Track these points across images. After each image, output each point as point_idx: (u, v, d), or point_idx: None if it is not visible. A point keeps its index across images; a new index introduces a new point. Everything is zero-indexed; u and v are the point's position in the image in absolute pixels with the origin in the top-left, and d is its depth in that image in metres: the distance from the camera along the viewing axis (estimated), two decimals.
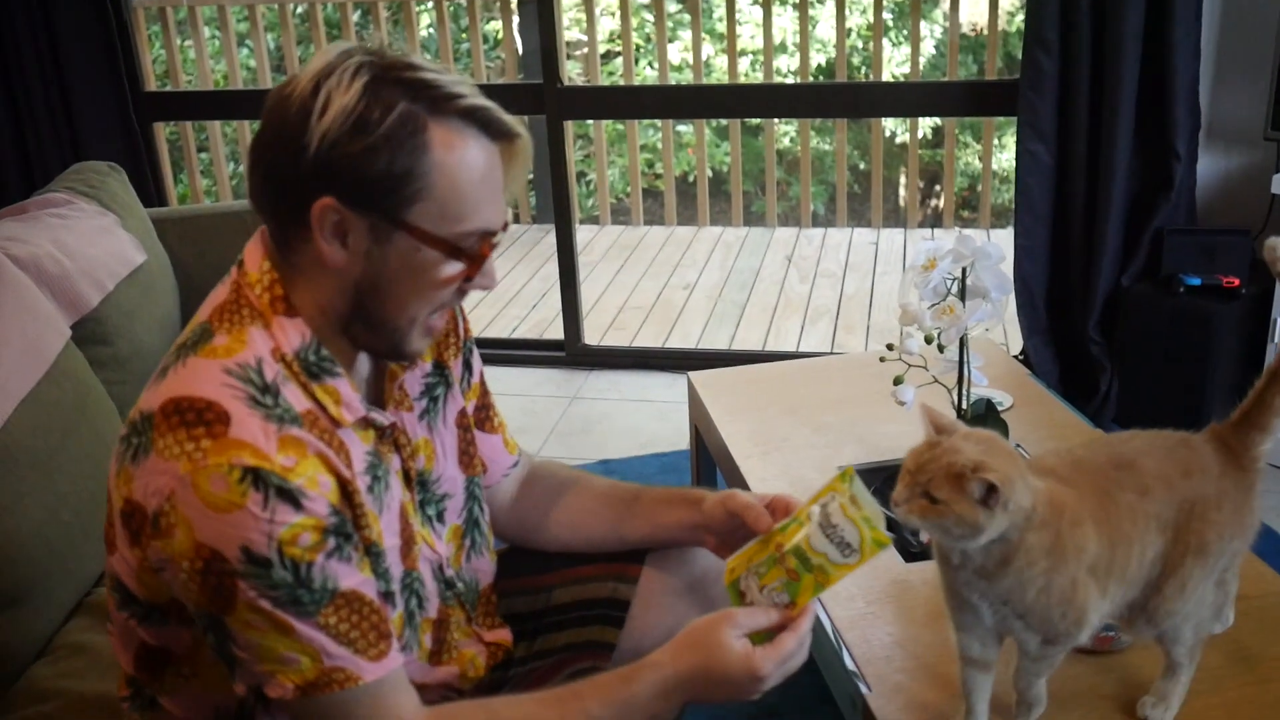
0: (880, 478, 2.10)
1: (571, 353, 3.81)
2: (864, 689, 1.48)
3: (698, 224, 5.50)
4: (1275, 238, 1.35)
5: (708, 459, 2.47)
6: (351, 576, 1.11)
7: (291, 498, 1.05)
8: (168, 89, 4.83)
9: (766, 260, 5.06)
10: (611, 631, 1.48)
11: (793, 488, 2.00)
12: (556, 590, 1.50)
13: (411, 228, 1.10)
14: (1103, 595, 1.29)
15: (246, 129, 5.03)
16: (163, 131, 4.09)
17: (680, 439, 3.18)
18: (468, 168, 1.10)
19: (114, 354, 2.27)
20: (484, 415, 1.44)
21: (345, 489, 1.13)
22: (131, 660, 1.22)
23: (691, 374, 2.47)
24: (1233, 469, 1.34)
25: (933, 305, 1.88)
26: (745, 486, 2.03)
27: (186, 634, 1.16)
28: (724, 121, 5.80)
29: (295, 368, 1.13)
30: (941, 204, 6.11)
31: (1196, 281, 2.88)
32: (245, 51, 5.67)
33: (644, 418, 3.38)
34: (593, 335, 4.07)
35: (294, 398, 1.12)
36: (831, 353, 4.02)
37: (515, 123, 1.15)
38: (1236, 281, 2.85)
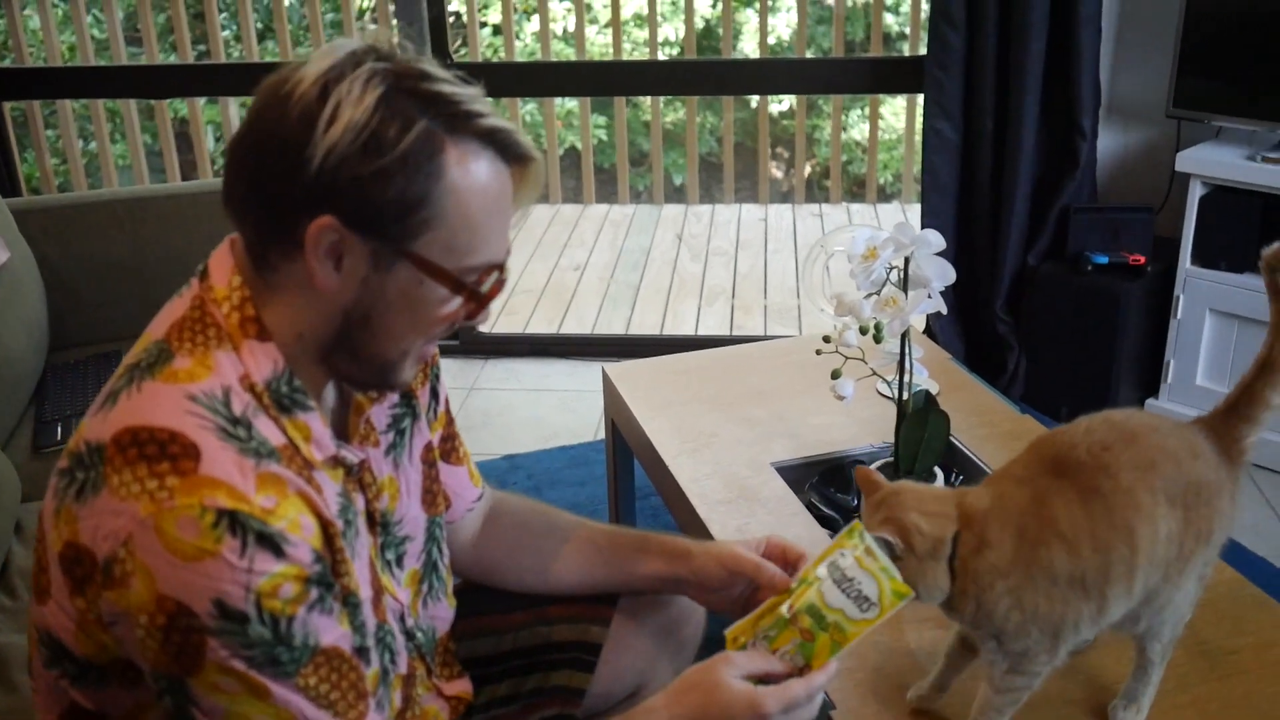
0: (815, 472, 2.04)
1: (465, 340, 3.67)
2: (829, 707, 1.41)
3: (584, 201, 5.38)
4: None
5: (624, 454, 2.37)
6: (332, 631, 0.99)
7: (273, 544, 0.93)
8: (11, 64, 4.49)
9: (656, 239, 4.97)
10: (581, 676, 1.38)
11: (728, 488, 1.92)
12: (522, 632, 1.39)
13: (417, 259, 0.99)
14: (1100, 607, 1.23)
15: (100, 105, 4.71)
16: (8, 110, 3.78)
17: (586, 430, 3.08)
18: (481, 195, 0.99)
19: None
20: (449, 446, 1.31)
21: (327, 532, 1.00)
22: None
23: (606, 366, 2.37)
24: (1225, 459, 1.30)
25: (868, 295, 1.81)
26: (678, 489, 1.94)
27: (129, 697, 1.01)
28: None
29: (265, 399, 1.00)
30: (808, 175, 6.09)
31: (1104, 260, 2.89)
32: (92, 19, 5.31)
33: (547, 409, 3.26)
34: (485, 321, 3.91)
35: (268, 431, 0.98)
36: (731, 335, 3.96)
37: (531, 146, 1.03)
38: (1143, 259, 2.87)
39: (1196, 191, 2.77)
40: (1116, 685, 1.40)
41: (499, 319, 4.13)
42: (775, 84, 3.75)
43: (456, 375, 3.51)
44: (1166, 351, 2.92)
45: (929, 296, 1.80)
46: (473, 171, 0.98)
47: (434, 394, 1.28)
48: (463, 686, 1.31)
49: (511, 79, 3.87)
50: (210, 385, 0.97)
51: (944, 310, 1.85)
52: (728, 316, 4.15)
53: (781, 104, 5.42)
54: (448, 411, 1.31)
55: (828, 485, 1.99)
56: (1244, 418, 1.29)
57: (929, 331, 3.22)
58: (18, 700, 1.51)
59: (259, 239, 1.00)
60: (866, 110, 5.40)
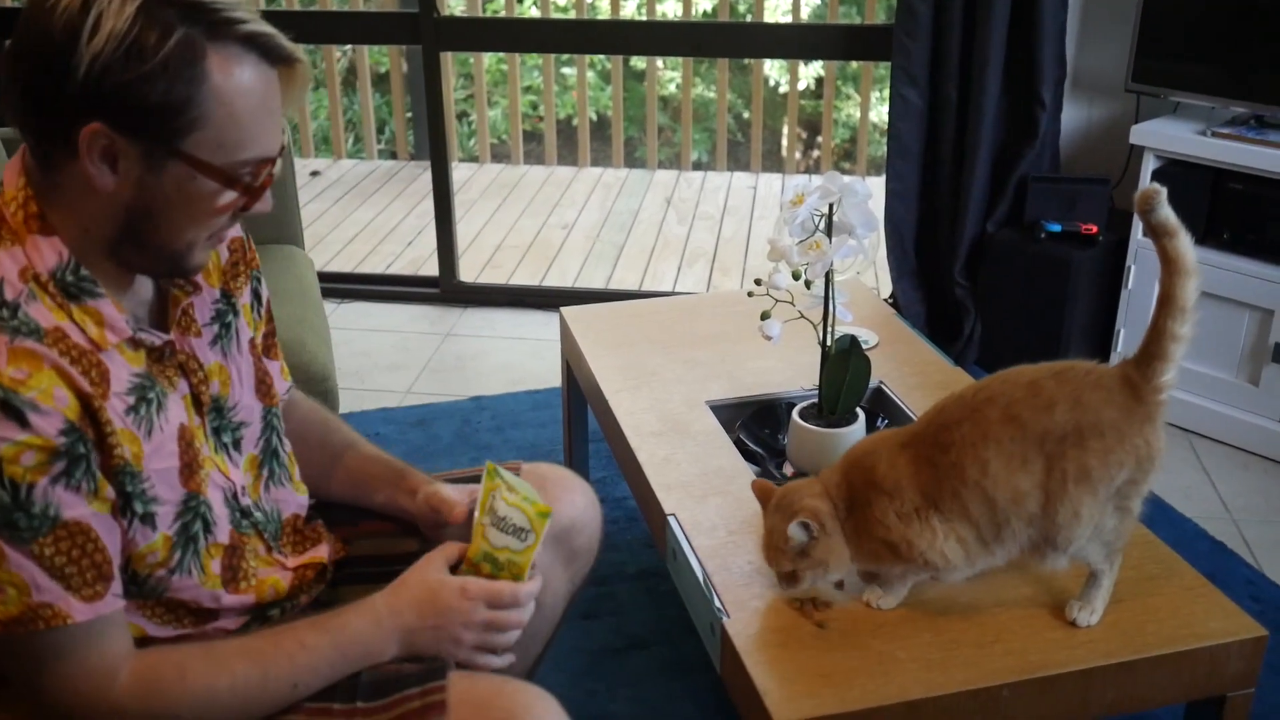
0: (747, 412, 2.13)
1: (446, 289, 3.77)
2: (722, 615, 1.51)
3: (578, 165, 5.46)
4: (1149, 186, 1.38)
5: (579, 395, 2.47)
6: (77, 507, 1.06)
7: (17, 413, 1.01)
8: None
9: (645, 202, 5.06)
10: None
11: (661, 422, 2.01)
12: (356, 541, 1.49)
13: (187, 156, 1.08)
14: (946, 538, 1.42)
15: None
16: None
17: (553, 376, 3.18)
18: (245, 95, 1.08)
19: None
20: (269, 342, 1.43)
21: (89, 405, 1.08)
22: None
23: (564, 309, 2.46)
24: (1126, 399, 1.40)
25: (800, 241, 1.90)
26: (615, 422, 2.04)
27: None
28: (607, 65, 5.75)
29: (51, 288, 1.09)
30: (820, 154, 6.17)
31: (1057, 228, 2.96)
32: None
33: (518, 355, 3.36)
34: (469, 273, 4.02)
35: (39, 315, 1.07)
36: (707, 293, 4.04)
37: (295, 48, 1.13)
38: (1095, 229, 2.94)
39: (1150, 164, 2.83)
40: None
41: (482, 271, 4.22)
42: (753, 47, 3.82)
43: (434, 322, 3.61)
44: (1118, 320, 2.99)
45: (851, 242, 1.89)
46: (236, 75, 1.07)
47: (255, 295, 1.38)
48: (316, 553, 1.40)
49: (503, 33, 3.95)
50: None
51: (869, 258, 1.94)
52: (706, 277, 4.24)
53: (794, 79, 5.48)
54: (268, 311, 1.42)
55: (757, 424, 2.08)
56: (1155, 355, 1.39)
57: (893, 296, 3.31)
58: None
59: (39, 144, 1.09)
60: (878, 89, 5.47)
